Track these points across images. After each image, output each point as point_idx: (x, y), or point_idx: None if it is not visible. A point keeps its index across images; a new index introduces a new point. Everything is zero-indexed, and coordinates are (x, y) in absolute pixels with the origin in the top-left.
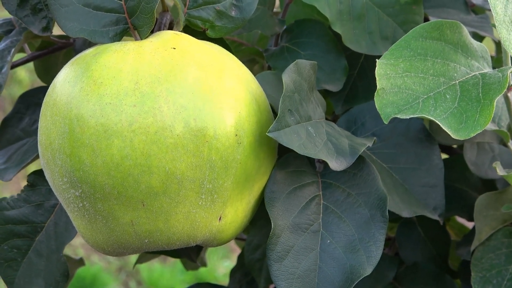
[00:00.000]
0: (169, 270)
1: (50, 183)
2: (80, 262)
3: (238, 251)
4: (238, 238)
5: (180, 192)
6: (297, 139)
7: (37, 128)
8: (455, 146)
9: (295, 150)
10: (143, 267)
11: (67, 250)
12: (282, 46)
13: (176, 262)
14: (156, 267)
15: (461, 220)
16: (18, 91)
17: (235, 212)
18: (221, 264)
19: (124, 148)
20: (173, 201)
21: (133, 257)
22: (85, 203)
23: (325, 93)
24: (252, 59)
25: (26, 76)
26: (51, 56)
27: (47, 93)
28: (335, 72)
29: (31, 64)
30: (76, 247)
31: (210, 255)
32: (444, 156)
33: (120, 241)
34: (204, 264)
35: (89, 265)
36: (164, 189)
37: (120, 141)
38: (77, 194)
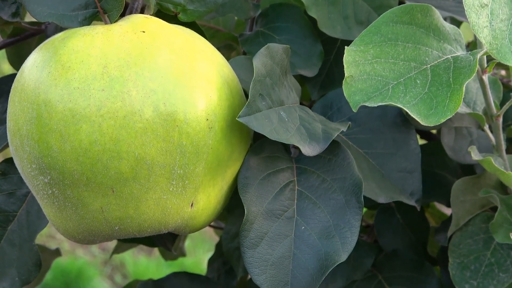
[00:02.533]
0: (155, 263)
1: (19, 170)
2: (56, 252)
3: None
4: (216, 227)
5: (150, 178)
6: (269, 124)
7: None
8: (434, 131)
9: (266, 135)
10: (129, 260)
11: (52, 243)
12: (257, 30)
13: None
14: (141, 260)
15: (441, 207)
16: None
17: (207, 198)
18: (207, 256)
19: (92, 133)
20: (143, 187)
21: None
22: (54, 190)
23: (302, 79)
24: (229, 45)
25: (10, 69)
26: (24, 43)
27: (15, 78)
28: (311, 57)
29: None
30: (61, 240)
31: (196, 247)
32: (423, 141)
33: (90, 228)
34: (183, 254)
35: (74, 258)
36: (134, 175)
37: (89, 126)
38: (46, 180)
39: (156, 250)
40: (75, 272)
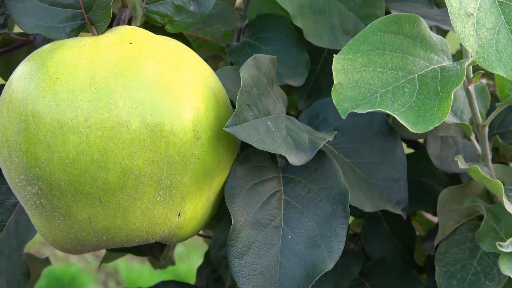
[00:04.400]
0: (148, 270)
1: (8, 181)
2: (46, 261)
3: None
4: (205, 236)
5: (137, 188)
6: (256, 134)
7: None
8: (421, 140)
9: (253, 145)
10: (122, 267)
11: (46, 250)
12: (244, 41)
13: None
14: (135, 267)
15: (429, 215)
16: None
17: (194, 208)
18: (200, 262)
19: (80, 144)
20: (131, 197)
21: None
22: (42, 200)
23: (289, 89)
24: (217, 56)
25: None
26: (12, 54)
27: (3, 90)
28: (297, 66)
29: None
30: (52, 248)
31: (190, 254)
32: (410, 150)
33: (78, 238)
34: (172, 263)
35: (68, 265)
36: (121, 185)
37: (76, 137)
38: (34, 191)
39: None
40: (69, 279)
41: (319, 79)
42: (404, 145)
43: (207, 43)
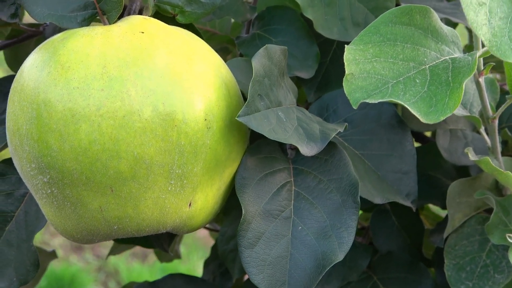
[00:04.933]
0: (148, 270)
1: (18, 170)
2: (53, 254)
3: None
4: (212, 229)
5: (149, 177)
6: (267, 124)
7: (5, 117)
8: (428, 134)
9: (265, 135)
10: (122, 266)
11: (45, 248)
12: (254, 33)
13: (155, 262)
14: (135, 266)
15: (435, 209)
16: None
17: (205, 198)
18: (201, 263)
19: (92, 133)
20: (142, 187)
21: (113, 258)
22: (53, 189)
23: (298, 81)
24: (225, 48)
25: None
26: (22, 45)
27: (15, 79)
28: (307, 59)
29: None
30: (54, 247)
31: (190, 254)
32: (417, 144)
33: (89, 228)
34: (178, 256)
35: (68, 265)
36: (133, 174)
37: (88, 125)
38: (45, 180)
39: (149, 257)
40: (69, 278)
41: (328, 72)
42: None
43: (215, 36)
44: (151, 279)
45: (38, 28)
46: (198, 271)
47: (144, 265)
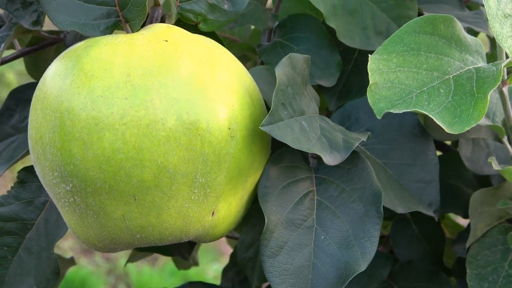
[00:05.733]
0: (158, 273)
1: (40, 178)
2: (71, 261)
3: (228, 254)
4: (230, 237)
5: (172, 186)
6: (291, 133)
7: (27, 124)
8: (449, 143)
9: (288, 144)
10: (132, 269)
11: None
12: (275, 41)
13: (165, 265)
14: (145, 269)
15: (455, 218)
16: (6, 95)
17: (228, 207)
18: (210, 267)
19: (115, 142)
20: (165, 196)
21: (123, 260)
22: (76, 197)
23: (319, 89)
24: (245, 56)
25: (14, 79)
26: (42, 52)
27: (37, 87)
28: (329, 67)
29: (19, 67)
30: (65, 250)
31: (200, 258)
32: (438, 153)
33: (112, 237)
34: (196, 263)
35: (78, 268)
36: (156, 183)
37: (112, 134)
38: (67, 188)
39: (159, 260)
40: (79, 282)
41: (349, 80)
42: None
43: (235, 44)
44: (161, 282)
45: (59, 36)
46: (208, 274)
47: (154, 268)
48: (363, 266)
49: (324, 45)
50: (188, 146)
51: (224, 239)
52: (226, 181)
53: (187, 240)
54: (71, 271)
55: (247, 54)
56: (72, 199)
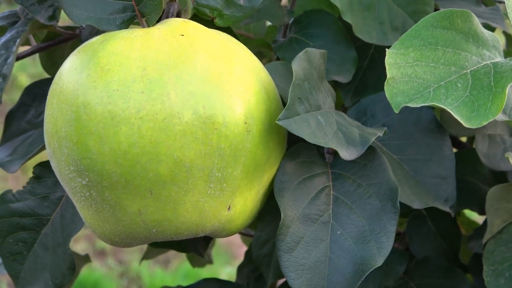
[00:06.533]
0: (171, 275)
1: (56, 173)
2: (86, 258)
3: (240, 257)
4: (245, 234)
5: (188, 180)
6: (307, 128)
7: (42, 120)
8: (464, 139)
9: (305, 138)
10: (145, 272)
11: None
12: (291, 37)
13: (178, 267)
14: (158, 272)
15: (470, 215)
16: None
17: (244, 202)
18: (223, 270)
19: (131, 136)
20: (182, 190)
21: (135, 263)
22: (92, 192)
23: (334, 85)
24: (260, 53)
25: (27, 81)
26: (57, 48)
27: (53, 81)
28: (345, 63)
29: (32, 69)
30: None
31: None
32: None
33: (128, 231)
34: (210, 261)
35: (90, 271)
36: (173, 177)
37: (128, 128)
38: (84, 183)
39: (172, 262)
40: (91, 284)
41: (365, 76)
42: None
43: (250, 40)
44: (174, 284)
45: (74, 31)
46: (221, 277)
47: (166, 270)
48: (379, 261)
49: (340, 41)
50: (205, 140)
51: (238, 241)
52: (242, 175)
53: (203, 235)
54: (83, 274)
55: (263, 51)
56: (88, 194)
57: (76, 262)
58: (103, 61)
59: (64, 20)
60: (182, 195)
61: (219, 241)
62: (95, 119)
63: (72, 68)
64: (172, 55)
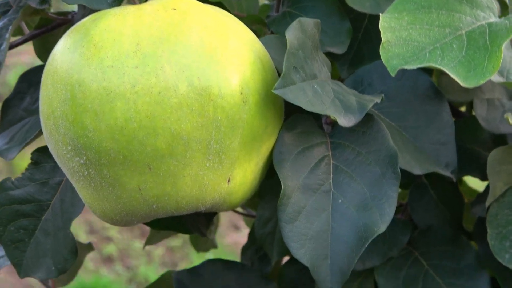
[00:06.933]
0: None
1: (54, 154)
2: (89, 247)
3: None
4: (247, 215)
5: (186, 153)
6: (304, 97)
7: (39, 106)
8: (463, 109)
9: (302, 107)
10: (153, 277)
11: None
12: (284, 11)
13: None
14: None
15: (473, 184)
16: None
17: (243, 174)
18: None
19: (127, 111)
20: (180, 163)
21: (143, 268)
22: (90, 170)
23: (331, 58)
24: (254, 31)
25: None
26: (50, 34)
27: (47, 63)
28: (339, 34)
29: (28, 60)
30: (85, 261)
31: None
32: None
33: (128, 208)
34: (214, 246)
35: (99, 277)
36: (170, 151)
37: (123, 103)
38: (81, 161)
39: (179, 266)
40: None
41: (360, 48)
42: None
43: (243, 18)
44: None
45: (67, 16)
46: None
47: None
48: (382, 228)
49: (333, 12)
50: (201, 112)
51: (244, 240)
52: (240, 147)
53: (204, 210)
54: (91, 280)
55: (256, 29)
56: (86, 172)
57: (79, 252)
58: (95, 38)
59: (56, 6)
60: (181, 168)
61: (225, 243)
62: (90, 96)
63: (65, 48)
64: (165, 29)
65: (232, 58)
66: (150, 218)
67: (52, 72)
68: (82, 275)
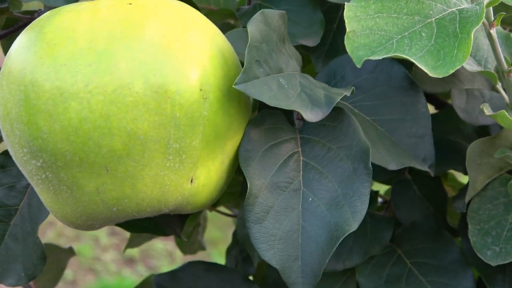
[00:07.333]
0: None
1: (13, 157)
2: (70, 251)
3: None
4: (233, 216)
5: (144, 153)
6: (268, 91)
7: None
8: (449, 101)
9: (265, 102)
10: None
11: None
12: (255, 3)
13: None
14: None
15: (461, 178)
16: None
17: (207, 173)
18: None
19: (81, 111)
20: (139, 164)
21: (165, 268)
22: (47, 173)
23: (306, 51)
24: (227, 24)
25: None
26: (17, 34)
27: (3, 63)
28: (312, 25)
29: None
30: (106, 262)
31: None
32: (434, 110)
33: (88, 212)
34: (203, 248)
35: (121, 279)
36: (128, 152)
37: (77, 103)
38: (38, 164)
39: None
40: None
41: (335, 39)
42: (432, 107)
43: (214, 12)
44: None
45: (33, 15)
46: None
47: None
48: (354, 226)
49: (305, 3)
50: (158, 111)
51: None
52: (202, 145)
53: (167, 211)
54: (114, 282)
55: (230, 22)
56: (44, 176)
57: (61, 256)
58: (49, 36)
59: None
60: (139, 169)
61: (223, 245)
62: (44, 96)
63: (20, 46)
64: (120, 24)
65: (191, 52)
66: (113, 222)
67: (7, 73)
68: (105, 277)
